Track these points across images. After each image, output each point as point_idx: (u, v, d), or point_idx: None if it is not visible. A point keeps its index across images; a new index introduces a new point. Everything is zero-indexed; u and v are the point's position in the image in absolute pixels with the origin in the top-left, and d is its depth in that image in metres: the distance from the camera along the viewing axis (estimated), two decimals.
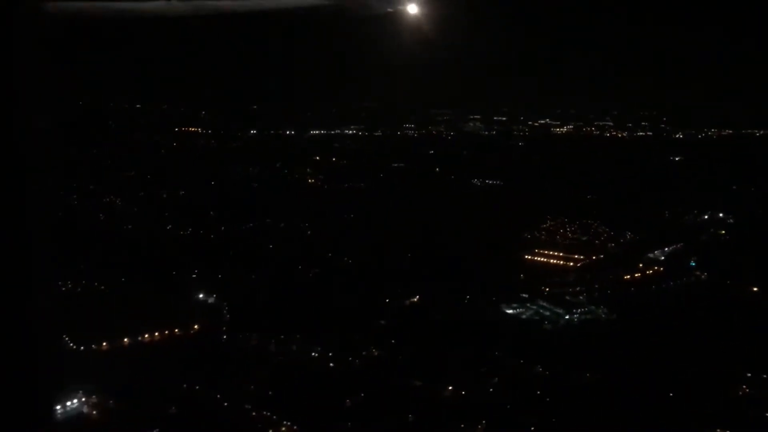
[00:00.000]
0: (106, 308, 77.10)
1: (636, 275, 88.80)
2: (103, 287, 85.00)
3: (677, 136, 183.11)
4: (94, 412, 59.23)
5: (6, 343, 3.92)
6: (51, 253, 4.27)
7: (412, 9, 10.71)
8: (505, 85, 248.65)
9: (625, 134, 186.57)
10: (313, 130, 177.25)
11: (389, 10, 10.87)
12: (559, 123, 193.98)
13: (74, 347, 68.76)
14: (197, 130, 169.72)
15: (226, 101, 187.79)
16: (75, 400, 59.80)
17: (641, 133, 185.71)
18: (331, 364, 65.61)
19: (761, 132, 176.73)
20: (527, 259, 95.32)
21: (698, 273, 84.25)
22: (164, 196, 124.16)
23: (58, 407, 53.90)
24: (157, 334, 72.06)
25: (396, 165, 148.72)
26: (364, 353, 67.14)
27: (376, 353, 67.34)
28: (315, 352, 67.47)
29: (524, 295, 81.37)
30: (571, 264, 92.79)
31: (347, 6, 10.79)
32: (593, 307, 78.48)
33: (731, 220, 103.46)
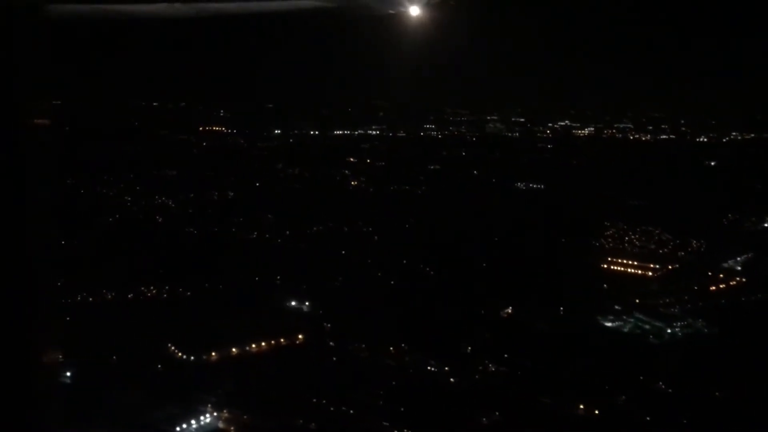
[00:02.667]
0: (203, 316, 76.24)
1: (720, 286, 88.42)
2: (189, 293, 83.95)
3: (701, 139, 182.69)
4: (232, 428, 58.40)
5: (5, 344, 3.95)
6: (51, 251, 4.28)
7: (416, 11, 10.46)
8: (514, 85, 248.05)
9: (648, 137, 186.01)
10: (336, 130, 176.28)
11: (392, 12, 10.58)
12: (579, 125, 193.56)
13: (183, 357, 68.27)
14: (222, 129, 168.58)
15: (241, 100, 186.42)
16: (207, 416, 59.11)
17: (664, 137, 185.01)
18: (452, 379, 64.62)
19: None
20: (603, 267, 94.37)
21: None
22: (215, 197, 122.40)
23: (192, 423, 53.54)
24: (263, 344, 71.34)
25: (432, 167, 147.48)
26: (480, 368, 66.09)
27: (492, 368, 66.32)
28: (431, 366, 66.29)
29: (617, 307, 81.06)
30: (650, 273, 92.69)
31: (350, 8, 10.67)
32: (691, 319, 78.11)
33: None
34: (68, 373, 62.84)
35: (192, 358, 68.00)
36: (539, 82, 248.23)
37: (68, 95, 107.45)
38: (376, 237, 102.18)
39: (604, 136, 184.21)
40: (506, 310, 78.86)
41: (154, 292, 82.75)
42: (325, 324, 75.27)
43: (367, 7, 10.87)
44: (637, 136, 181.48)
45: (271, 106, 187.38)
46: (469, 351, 69.26)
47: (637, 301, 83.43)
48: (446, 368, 66.21)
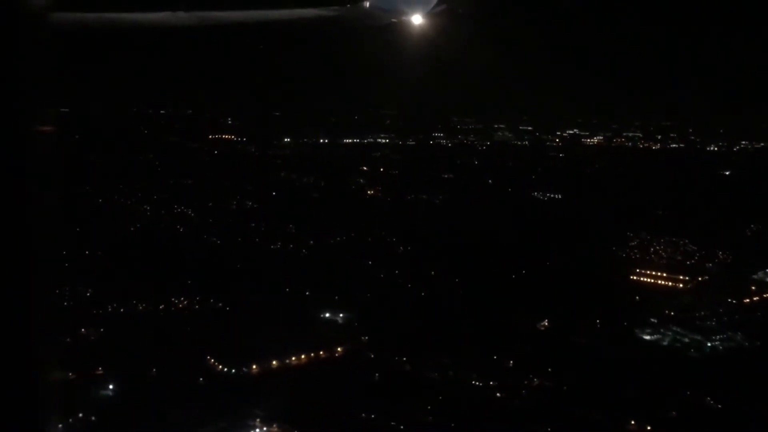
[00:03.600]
0: (238, 328, 75.58)
1: (754, 299, 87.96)
2: (220, 304, 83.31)
3: (712, 148, 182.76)
4: None
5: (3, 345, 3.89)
6: (51, 258, 4.16)
7: (419, 19, 10.54)
8: (518, 94, 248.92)
9: (658, 146, 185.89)
10: (345, 139, 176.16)
11: (394, 20, 10.68)
12: (587, 134, 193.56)
13: (224, 370, 67.44)
14: (231, 137, 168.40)
15: (246, 109, 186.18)
16: (257, 431, 58.37)
17: (674, 145, 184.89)
18: (498, 394, 64.00)
19: None
20: (633, 279, 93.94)
21: None
22: (234, 206, 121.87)
23: None
24: (303, 356, 70.54)
25: (446, 176, 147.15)
26: (525, 382, 65.52)
27: (537, 382, 65.71)
28: (475, 380, 65.72)
29: (653, 320, 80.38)
30: (680, 285, 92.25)
31: (352, 17, 10.50)
32: (730, 333, 77.57)
33: None
34: (111, 386, 61.99)
35: (233, 371, 67.23)
36: (543, 90, 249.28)
37: (76, 103, 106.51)
38: (401, 248, 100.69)
39: (614, 144, 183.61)
40: (542, 323, 77.68)
41: (185, 303, 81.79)
42: (362, 336, 73.68)
43: (369, 16, 10.74)
44: (647, 144, 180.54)
45: (277, 114, 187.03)
46: (511, 365, 67.84)
47: (671, 313, 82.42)
48: (491, 382, 64.75)
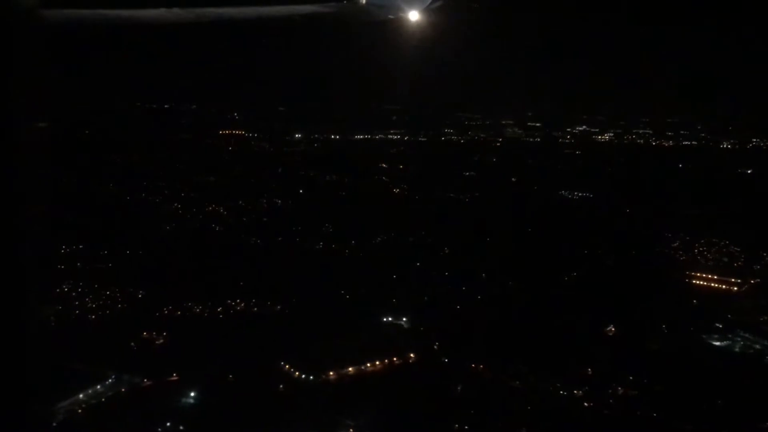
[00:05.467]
0: (305, 332, 74.37)
1: None
2: (278, 307, 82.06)
3: (725, 145, 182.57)
4: None
5: None
6: (44, 257, 4.18)
7: (415, 15, 10.70)
8: (520, 89, 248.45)
9: (670, 143, 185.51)
10: (356, 135, 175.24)
11: (391, 17, 10.86)
12: (597, 130, 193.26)
13: (302, 376, 66.11)
14: (243, 133, 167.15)
15: (249, 103, 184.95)
16: None
17: (686, 142, 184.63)
18: (586, 403, 62.94)
19: None
20: (685, 282, 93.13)
21: None
22: (264, 204, 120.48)
23: None
24: (378, 363, 69.34)
25: (467, 174, 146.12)
26: (610, 391, 64.50)
27: (621, 390, 64.71)
28: (561, 389, 64.58)
29: (718, 325, 79.36)
30: (734, 288, 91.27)
31: (348, 13, 10.74)
32: None
33: None
34: (192, 393, 60.66)
35: (311, 377, 65.78)
36: (543, 86, 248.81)
37: (74, 100, 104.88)
38: (446, 248, 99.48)
39: (626, 141, 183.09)
40: (609, 328, 76.65)
41: (242, 305, 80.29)
42: (434, 342, 72.50)
43: (365, 13, 10.89)
44: (659, 141, 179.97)
45: (282, 109, 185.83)
46: (590, 372, 66.76)
47: (732, 317, 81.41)
48: (575, 391, 63.66)
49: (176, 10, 7.60)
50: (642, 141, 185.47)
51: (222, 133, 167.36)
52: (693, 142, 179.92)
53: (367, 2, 10.82)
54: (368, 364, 68.83)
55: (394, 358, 70.14)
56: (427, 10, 10.85)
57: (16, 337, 4.08)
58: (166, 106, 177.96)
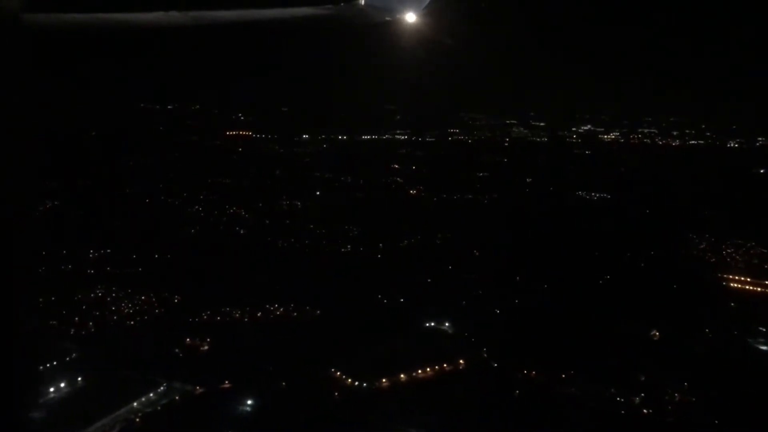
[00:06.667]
0: (349, 338, 73.72)
1: None
2: (318, 312, 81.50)
3: (732, 145, 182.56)
4: None
5: None
6: (32, 259, 4.23)
7: (412, 17, 10.90)
8: (521, 89, 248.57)
9: (677, 142, 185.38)
10: (363, 135, 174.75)
11: (388, 18, 11.03)
12: (603, 129, 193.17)
13: (355, 384, 65.32)
14: (250, 134, 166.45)
15: (251, 105, 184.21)
16: None
17: (693, 142, 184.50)
18: (645, 410, 62.40)
19: None
20: (720, 284, 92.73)
21: None
22: (284, 207, 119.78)
23: None
24: (428, 369, 68.67)
25: (481, 174, 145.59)
26: (666, 397, 64.01)
27: (677, 397, 64.24)
28: (618, 396, 63.99)
29: (762, 329, 78.96)
30: None
31: (346, 15, 10.81)
32: None
33: None
34: (249, 402, 59.90)
35: (364, 384, 64.93)
36: (542, 85, 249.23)
37: (76, 103, 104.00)
38: (476, 251, 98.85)
39: (632, 141, 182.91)
40: (653, 332, 76.14)
41: (281, 310, 79.53)
42: (482, 348, 71.85)
43: (363, 14, 11.01)
44: (665, 141, 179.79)
45: (285, 109, 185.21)
46: (642, 378, 66.18)
47: None
48: (632, 397, 63.05)
49: (173, 14, 7.62)
50: (648, 141, 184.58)
51: (229, 134, 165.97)
52: (700, 142, 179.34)
53: (365, 4, 10.97)
54: (419, 371, 68.08)
55: (444, 365, 69.32)
56: (424, 12, 10.93)
57: (4, 341, 3.97)
58: (169, 106, 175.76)
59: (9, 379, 4.02)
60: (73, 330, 74.75)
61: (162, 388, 63.23)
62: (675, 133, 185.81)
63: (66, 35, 6.32)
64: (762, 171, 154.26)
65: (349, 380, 66.01)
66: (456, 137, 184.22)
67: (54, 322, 75.61)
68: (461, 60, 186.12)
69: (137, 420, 59.27)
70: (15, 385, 4.07)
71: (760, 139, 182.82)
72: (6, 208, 3.87)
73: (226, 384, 64.27)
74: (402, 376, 67.42)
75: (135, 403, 60.65)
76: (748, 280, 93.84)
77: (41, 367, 63.93)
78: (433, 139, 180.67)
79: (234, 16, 8.47)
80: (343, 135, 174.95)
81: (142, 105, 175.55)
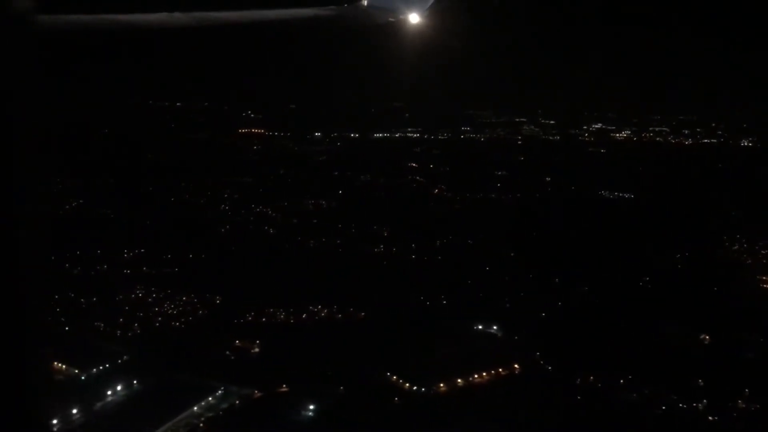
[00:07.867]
0: (399, 340, 72.98)
1: None
2: (362, 313, 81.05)
3: (744, 144, 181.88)
4: None
5: None
6: (42, 255, 4.13)
7: (415, 18, 10.99)
8: (523, 88, 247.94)
9: (689, 141, 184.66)
10: (375, 133, 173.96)
11: (391, 19, 11.14)
12: (614, 128, 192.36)
13: (412, 388, 64.55)
14: (263, 131, 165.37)
15: (260, 103, 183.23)
16: None
17: (705, 141, 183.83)
18: (710, 417, 61.67)
19: None
20: (761, 286, 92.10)
21: None
22: (310, 206, 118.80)
23: None
24: (485, 374, 67.81)
25: (500, 173, 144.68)
26: (730, 404, 63.33)
27: (741, 404, 63.54)
28: (680, 402, 63.25)
29: None
30: None
31: (350, 16, 10.83)
32: None
33: None
34: (311, 406, 58.93)
35: (423, 389, 64.08)
36: (551, 83, 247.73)
37: (83, 103, 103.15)
38: (511, 253, 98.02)
39: (645, 139, 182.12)
40: (703, 336, 75.43)
41: (325, 312, 78.63)
42: (534, 352, 71.04)
43: (367, 15, 11.02)
44: (678, 139, 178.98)
45: (293, 107, 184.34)
46: (701, 384, 65.44)
47: None
48: (694, 404, 62.30)
49: (178, 15, 7.60)
50: (661, 139, 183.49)
51: (242, 132, 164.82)
52: (712, 140, 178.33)
53: (368, 5, 10.99)
54: (475, 375, 67.11)
55: (500, 369, 68.24)
56: (427, 13, 11.05)
57: (16, 341, 3.86)
58: (178, 104, 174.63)
59: (20, 380, 3.90)
60: (119, 332, 73.36)
61: (220, 392, 62.29)
62: (686, 131, 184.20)
63: (71, 36, 6.33)
64: None
65: (407, 385, 64.98)
66: (468, 135, 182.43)
67: (99, 324, 74.30)
68: (465, 59, 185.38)
69: (201, 425, 58.10)
70: (28, 389, 3.95)
71: None
72: (15, 208, 3.81)
73: (283, 388, 63.12)
74: (459, 380, 66.35)
75: (195, 408, 59.63)
76: None
77: (94, 370, 63.02)
78: (445, 137, 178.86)
79: (238, 17, 8.49)
80: (355, 133, 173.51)
81: (150, 102, 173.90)
